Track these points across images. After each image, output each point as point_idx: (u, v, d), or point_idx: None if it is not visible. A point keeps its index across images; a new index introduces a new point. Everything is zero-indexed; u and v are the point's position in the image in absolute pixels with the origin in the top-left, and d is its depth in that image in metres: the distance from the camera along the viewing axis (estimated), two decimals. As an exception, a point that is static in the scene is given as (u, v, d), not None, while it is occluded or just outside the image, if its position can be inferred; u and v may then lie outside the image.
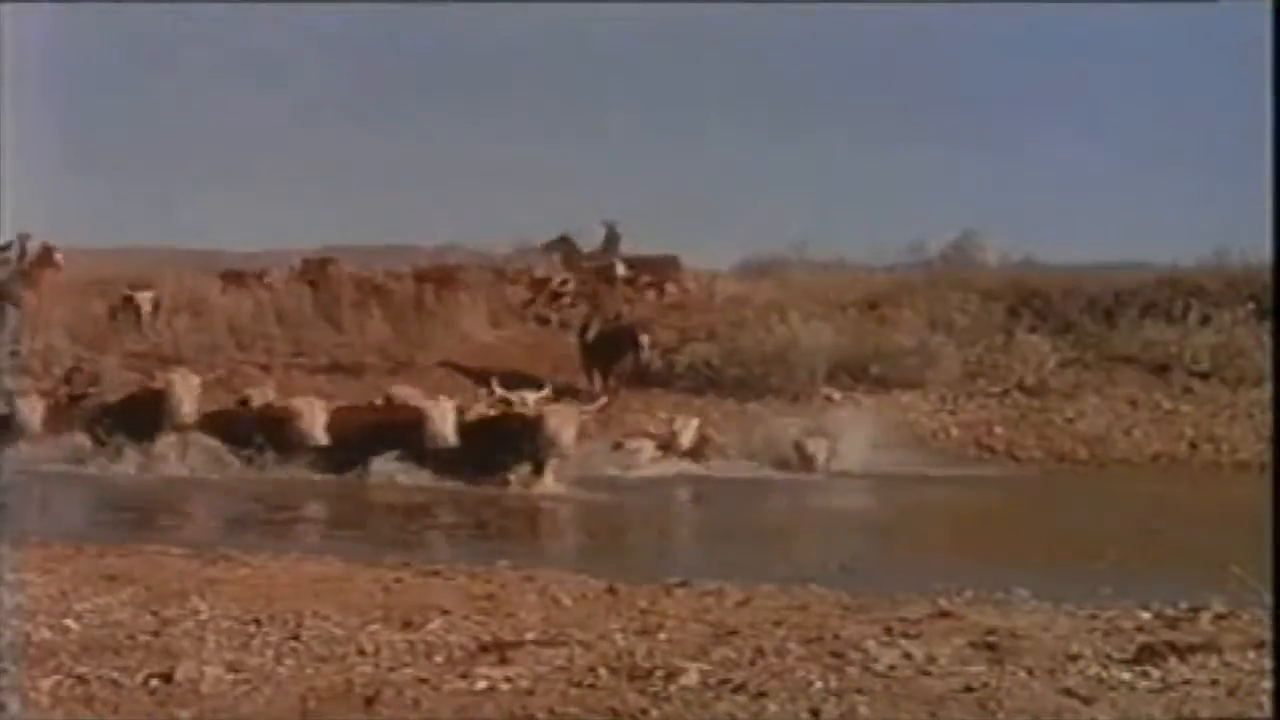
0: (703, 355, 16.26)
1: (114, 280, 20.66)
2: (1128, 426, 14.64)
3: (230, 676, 4.22)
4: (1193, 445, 14.18)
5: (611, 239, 20.24)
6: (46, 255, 20.73)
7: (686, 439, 13.05)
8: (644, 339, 15.35)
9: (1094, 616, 5.24)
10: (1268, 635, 4.63)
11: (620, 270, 16.61)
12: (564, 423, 11.70)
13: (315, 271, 19.94)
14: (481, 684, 4.15)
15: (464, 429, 12.06)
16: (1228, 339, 15.43)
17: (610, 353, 15.43)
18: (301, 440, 12.30)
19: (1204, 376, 15.26)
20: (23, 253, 20.52)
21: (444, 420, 12.08)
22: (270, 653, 4.55)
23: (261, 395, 13.47)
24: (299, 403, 12.92)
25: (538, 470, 11.61)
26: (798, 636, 4.80)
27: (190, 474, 12.28)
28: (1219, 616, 5.16)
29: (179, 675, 4.19)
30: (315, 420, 12.49)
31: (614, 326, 15.88)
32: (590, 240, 20.66)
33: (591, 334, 15.74)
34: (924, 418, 15.16)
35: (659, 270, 18.94)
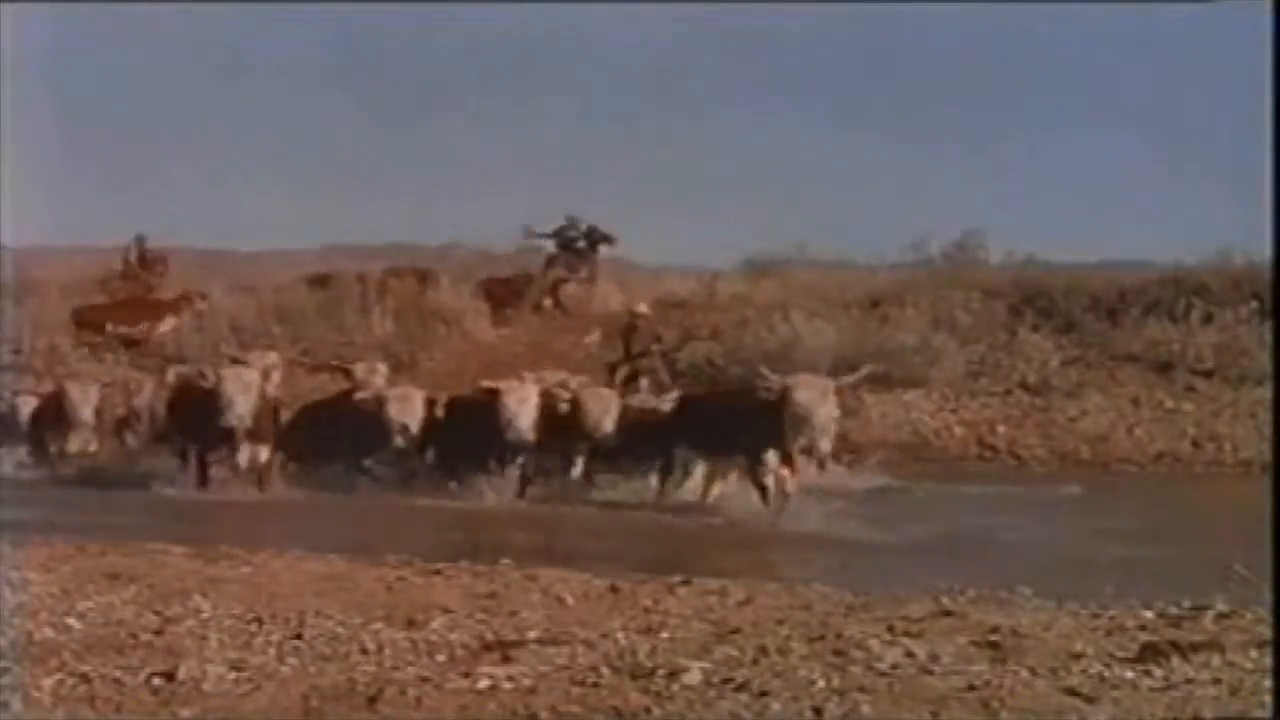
0: (704, 354, 16.26)
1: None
2: (1130, 425, 14.63)
3: (233, 675, 4.22)
4: (1195, 444, 14.18)
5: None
6: (160, 261, 20.84)
7: None
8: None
9: (1096, 615, 5.23)
10: (1270, 634, 4.63)
11: (642, 309, 16.21)
12: (821, 396, 9.37)
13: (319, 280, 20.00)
14: (484, 683, 4.15)
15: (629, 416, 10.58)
16: (1230, 338, 15.42)
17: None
18: (388, 439, 10.82)
19: (1207, 375, 15.26)
20: (140, 256, 20.66)
21: (521, 407, 10.54)
22: (273, 651, 4.55)
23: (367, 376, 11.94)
24: (395, 391, 11.31)
25: (785, 461, 9.50)
26: (800, 635, 4.80)
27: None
28: (1222, 615, 5.16)
29: (181, 674, 4.19)
30: (412, 411, 10.84)
31: (632, 372, 15.37)
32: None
33: (619, 378, 15.42)
34: (927, 416, 15.16)
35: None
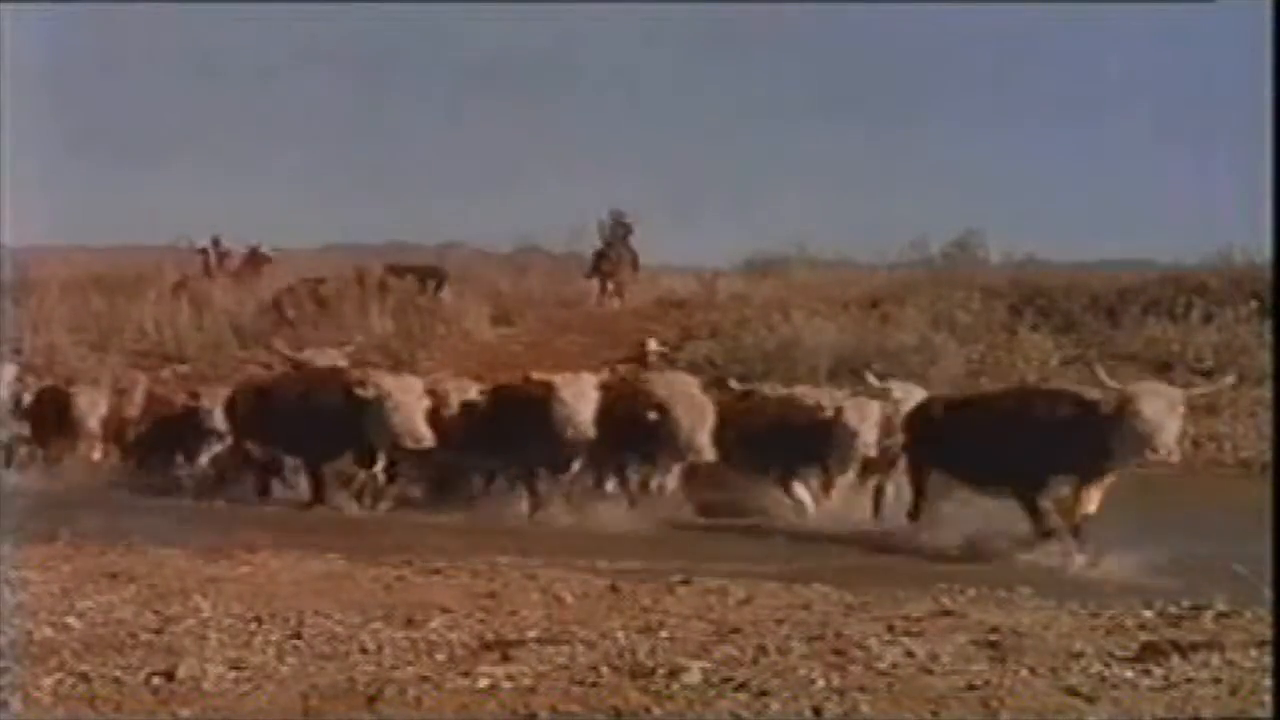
0: (705, 353, 16.26)
1: (114, 279, 20.74)
2: (1130, 425, 14.61)
3: (232, 674, 4.22)
4: (1195, 443, 14.16)
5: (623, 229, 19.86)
6: (257, 256, 21.34)
7: None
8: None
9: (1096, 614, 5.23)
10: (1270, 633, 4.63)
11: (653, 346, 15.75)
12: (1169, 409, 8.15)
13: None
14: (484, 682, 4.15)
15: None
16: (1230, 337, 15.42)
17: None
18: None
19: (1207, 374, 15.24)
20: (218, 253, 20.79)
21: (580, 400, 9.15)
22: (272, 651, 4.55)
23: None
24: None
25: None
26: (800, 634, 4.80)
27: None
28: (1221, 614, 5.16)
29: (181, 673, 4.19)
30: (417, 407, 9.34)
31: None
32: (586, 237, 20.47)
33: None
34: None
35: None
